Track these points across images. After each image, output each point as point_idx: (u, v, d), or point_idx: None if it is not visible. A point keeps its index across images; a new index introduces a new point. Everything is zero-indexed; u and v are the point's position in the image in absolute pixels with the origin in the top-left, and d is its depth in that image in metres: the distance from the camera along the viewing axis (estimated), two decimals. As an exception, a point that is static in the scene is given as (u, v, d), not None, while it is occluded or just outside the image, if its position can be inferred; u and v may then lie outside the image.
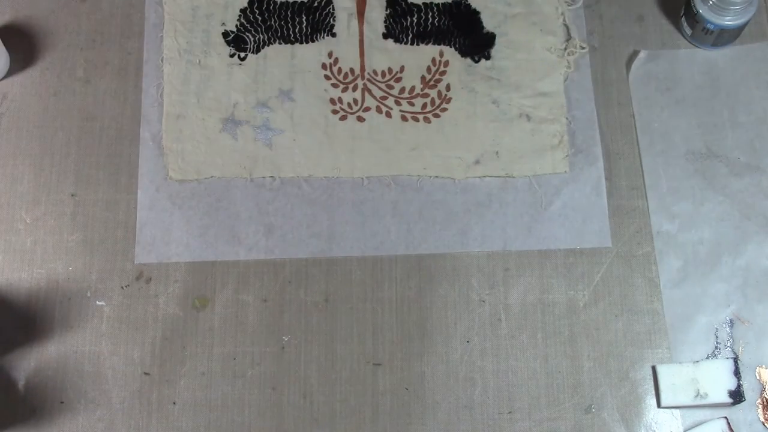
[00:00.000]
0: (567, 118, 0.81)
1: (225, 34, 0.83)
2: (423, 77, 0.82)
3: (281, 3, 0.84)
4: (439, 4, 0.84)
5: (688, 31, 0.82)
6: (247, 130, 0.81)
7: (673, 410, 0.73)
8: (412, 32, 0.83)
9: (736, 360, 0.73)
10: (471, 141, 0.80)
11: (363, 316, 0.76)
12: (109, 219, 0.78)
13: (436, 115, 0.81)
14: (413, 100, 0.81)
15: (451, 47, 0.83)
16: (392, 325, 0.75)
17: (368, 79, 0.82)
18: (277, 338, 0.75)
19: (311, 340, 0.75)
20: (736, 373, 0.72)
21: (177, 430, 0.73)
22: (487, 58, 0.83)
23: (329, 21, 0.84)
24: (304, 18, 0.84)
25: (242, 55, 0.83)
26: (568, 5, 0.84)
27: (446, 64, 0.82)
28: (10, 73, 0.82)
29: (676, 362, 0.73)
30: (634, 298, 0.76)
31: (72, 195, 0.79)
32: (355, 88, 0.82)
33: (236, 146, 0.80)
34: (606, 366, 0.74)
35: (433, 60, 0.83)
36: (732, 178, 0.78)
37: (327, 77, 0.82)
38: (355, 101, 0.81)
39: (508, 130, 0.80)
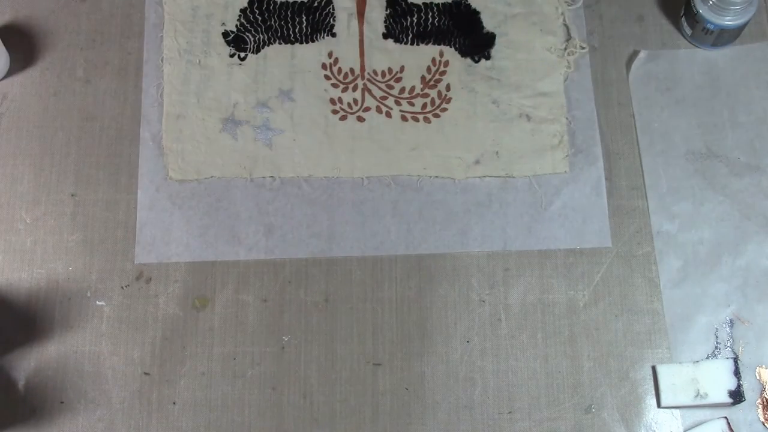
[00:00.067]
0: (567, 118, 0.81)
1: (225, 34, 0.83)
2: (423, 77, 0.82)
3: (281, 3, 0.84)
4: (439, 4, 0.84)
5: (688, 31, 0.82)
6: (247, 130, 0.81)
7: (673, 410, 0.73)
8: (412, 32, 0.83)
9: (736, 360, 0.73)
10: (471, 141, 0.80)
11: (363, 316, 0.76)
12: (109, 219, 0.78)
13: (436, 115, 0.81)
14: (413, 100, 0.81)
15: (451, 47, 0.83)
16: (392, 325, 0.75)
17: (368, 79, 0.82)
18: (277, 338, 0.75)
19: (311, 340, 0.75)
20: (736, 373, 0.72)
21: (177, 430, 0.73)
22: (487, 58, 0.83)
23: (329, 21, 0.84)
24: (304, 18, 0.84)
25: (242, 55, 0.83)
26: (568, 5, 0.84)
27: (446, 64, 0.82)
28: (10, 73, 0.82)
29: (676, 362, 0.73)
30: (634, 298, 0.76)
31: (72, 195, 0.79)
32: (355, 88, 0.82)
33: (236, 146, 0.80)
34: (606, 366, 0.74)
35: (433, 60, 0.83)
36: (732, 178, 0.78)
37: (327, 77, 0.82)
38: (355, 101, 0.81)
39: (508, 130, 0.80)
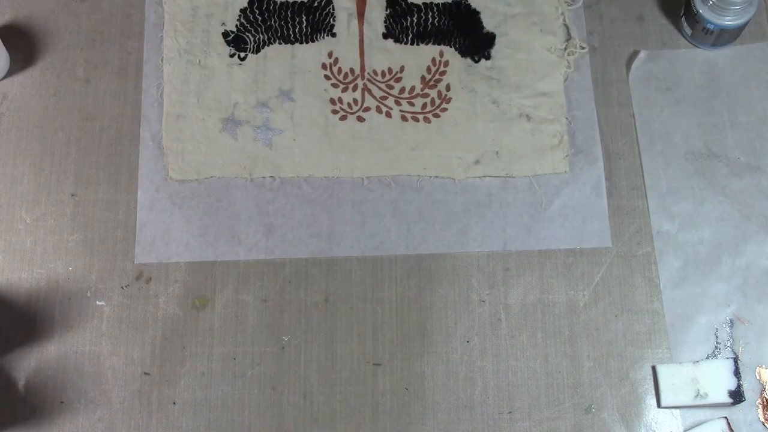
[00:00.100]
0: (567, 118, 0.81)
1: (225, 34, 0.83)
2: (423, 77, 0.82)
3: (281, 3, 0.84)
4: (439, 4, 0.84)
5: (688, 31, 0.82)
6: (247, 130, 0.81)
7: (673, 410, 0.73)
8: (412, 32, 0.83)
9: (736, 360, 0.73)
10: (471, 141, 0.80)
11: (363, 316, 0.76)
12: (109, 219, 0.78)
13: (436, 115, 0.81)
14: (413, 100, 0.81)
15: (451, 47, 0.83)
16: (392, 325, 0.75)
17: (368, 79, 0.82)
18: (277, 338, 0.75)
19: (311, 340, 0.75)
20: (736, 373, 0.72)
21: (177, 430, 0.73)
22: (487, 58, 0.83)
23: (329, 21, 0.84)
24: (304, 18, 0.84)
25: (242, 55, 0.83)
26: (568, 5, 0.84)
27: (446, 64, 0.82)
28: (10, 73, 0.82)
29: (676, 362, 0.73)
30: (634, 298, 0.76)
31: (72, 195, 0.79)
32: (355, 88, 0.82)
33: (236, 146, 0.80)
34: (606, 366, 0.74)
35: (433, 60, 0.83)
36: (732, 178, 0.78)
37: (327, 77, 0.82)
38: (355, 101, 0.81)
39: (508, 130, 0.80)
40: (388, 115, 0.81)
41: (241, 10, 0.84)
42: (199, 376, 0.74)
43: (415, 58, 0.83)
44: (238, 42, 0.83)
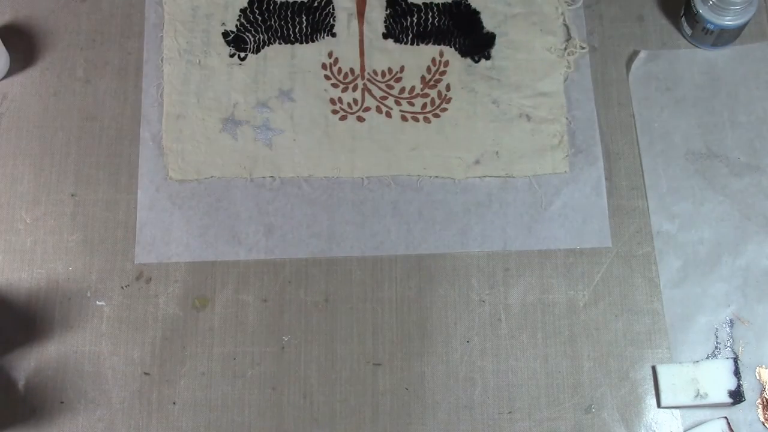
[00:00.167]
0: (567, 118, 0.81)
1: (225, 34, 0.83)
2: (423, 77, 0.82)
3: (281, 3, 0.84)
4: (439, 4, 0.84)
5: (688, 31, 0.82)
6: (247, 130, 0.81)
7: (673, 410, 0.73)
8: (412, 32, 0.83)
9: (736, 360, 0.73)
10: (471, 141, 0.80)
11: (363, 316, 0.76)
12: (109, 219, 0.78)
13: (436, 115, 0.81)
14: (413, 100, 0.81)
15: (451, 47, 0.83)
16: (392, 325, 0.75)
17: (368, 79, 0.82)
18: (277, 338, 0.75)
19: (311, 340, 0.75)
20: (736, 373, 0.72)
21: (177, 430, 0.73)
22: (487, 58, 0.83)
23: (329, 21, 0.84)
24: (304, 18, 0.84)
25: (242, 55, 0.83)
26: (568, 5, 0.84)
27: (446, 64, 0.82)
28: (10, 73, 0.82)
29: (676, 362, 0.73)
30: (634, 298, 0.76)
31: (72, 195, 0.79)
32: (355, 88, 0.82)
33: (236, 146, 0.80)
34: (606, 366, 0.74)
35: (433, 60, 0.83)
36: (732, 178, 0.78)
37: (327, 77, 0.82)
38: (355, 101, 0.81)
39: (508, 130, 0.80)
40: (388, 115, 0.81)
41: (241, 10, 0.84)
42: (199, 376, 0.74)
43: (415, 58, 0.83)
44: (238, 42, 0.83)
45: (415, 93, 0.82)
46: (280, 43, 0.83)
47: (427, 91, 0.82)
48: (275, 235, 0.78)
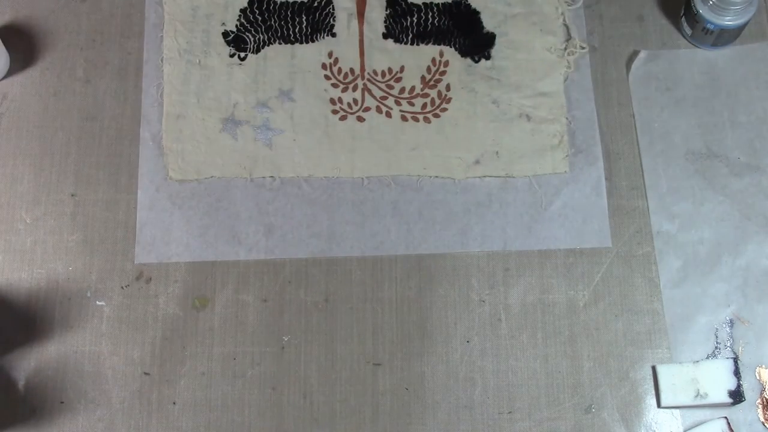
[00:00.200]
0: (567, 118, 0.81)
1: (225, 34, 0.83)
2: (423, 77, 0.82)
3: (281, 3, 0.84)
4: (439, 4, 0.84)
5: (688, 31, 0.82)
6: (247, 130, 0.81)
7: (673, 410, 0.73)
8: (412, 32, 0.83)
9: (736, 360, 0.73)
10: (471, 141, 0.80)
11: (363, 316, 0.76)
12: (109, 219, 0.78)
13: (436, 115, 0.81)
14: (413, 100, 0.81)
15: (451, 47, 0.83)
16: (392, 325, 0.75)
17: (368, 79, 0.82)
18: (277, 338, 0.75)
19: (311, 340, 0.75)
20: (736, 373, 0.72)
21: (177, 430, 0.73)
22: (487, 58, 0.83)
23: (329, 21, 0.84)
24: (304, 18, 0.84)
25: (242, 55, 0.83)
26: (568, 5, 0.84)
27: (446, 64, 0.82)
28: (10, 73, 0.82)
29: (676, 362, 0.73)
30: (634, 298, 0.76)
31: (72, 195, 0.79)
32: (355, 88, 0.82)
33: (236, 146, 0.80)
34: (606, 366, 0.74)
35: (433, 60, 0.83)
36: (732, 178, 0.78)
37: (327, 77, 0.82)
38: (355, 101, 0.81)
39: (508, 130, 0.80)
40: (388, 115, 0.81)
41: (241, 10, 0.84)
42: (199, 376, 0.74)
43: (415, 58, 0.83)
44: (238, 42, 0.83)
45: (415, 93, 0.82)
46: (280, 43, 0.83)
47: (427, 91, 0.82)
48: (275, 235, 0.78)
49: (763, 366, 0.73)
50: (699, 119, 0.80)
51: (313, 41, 0.83)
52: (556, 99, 0.81)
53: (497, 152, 0.80)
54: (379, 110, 0.81)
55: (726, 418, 0.72)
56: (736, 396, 0.72)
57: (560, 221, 0.78)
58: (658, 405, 0.73)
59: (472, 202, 0.78)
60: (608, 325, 0.75)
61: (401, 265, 0.77)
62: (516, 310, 0.75)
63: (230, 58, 0.83)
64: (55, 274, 0.77)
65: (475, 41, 0.83)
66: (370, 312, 0.76)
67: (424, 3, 0.84)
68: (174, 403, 0.73)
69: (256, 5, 0.84)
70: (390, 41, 0.83)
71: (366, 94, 0.82)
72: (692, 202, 0.78)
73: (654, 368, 0.73)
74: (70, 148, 0.80)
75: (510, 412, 0.73)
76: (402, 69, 0.82)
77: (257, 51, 0.83)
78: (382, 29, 0.83)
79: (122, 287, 0.76)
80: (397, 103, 0.81)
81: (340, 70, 0.82)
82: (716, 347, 0.74)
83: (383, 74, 0.82)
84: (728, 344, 0.74)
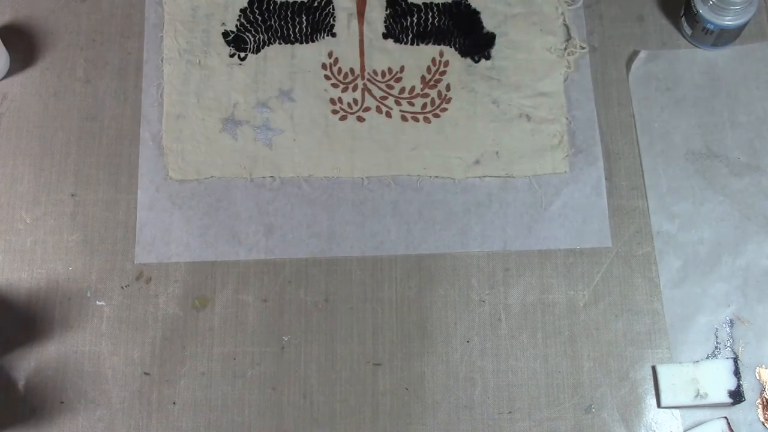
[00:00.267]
0: (567, 118, 0.81)
1: (225, 34, 0.83)
2: (423, 77, 0.82)
3: (281, 3, 0.84)
4: (439, 4, 0.84)
5: (688, 31, 0.82)
6: (247, 130, 0.81)
7: (673, 410, 0.73)
8: (412, 32, 0.83)
9: (736, 360, 0.73)
10: (471, 141, 0.80)
11: (363, 316, 0.76)
12: (109, 219, 0.78)
13: (436, 115, 0.81)
14: (413, 100, 0.81)
15: (451, 47, 0.83)
16: (392, 325, 0.75)
17: (368, 79, 0.82)
18: (277, 338, 0.75)
19: (311, 340, 0.75)
20: (736, 373, 0.72)
21: (177, 430, 0.73)
22: (487, 58, 0.83)
23: (329, 21, 0.84)
24: (304, 18, 0.84)
25: (242, 55, 0.83)
26: (568, 5, 0.84)
27: (446, 64, 0.82)
28: (10, 73, 0.82)
29: (676, 362, 0.73)
30: (634, 298, 0.76)
31: (72, 195, 0.79)
32: (355, 88, 0.82)
33: (236, 146, 0.80)
34: (606, 366, 0.74)
35: (433, 60, 0.83)
36: (732, 178, 0.78)
37: (327, 77, 0.82)
38: (355, 101, 0.81)
39: (508, 130, 0.80)
40: (388, 115, 0.81)
41: (241, 10, 0.84)
42: (199, 376, 0.74)
43: (415, 58, 0.83)
44: (238, 42, 0.83)
45: (415, 93, 0.82)
46: (280, 43, 0.83)
47: (427, 91, 0.82)
48: (275, 235, 0.78)
49: (763, 366, 0.73)
50: (699, 119, 0.80)
51: (313, 41, 0.83)
52: (556, 99, 0.81)
53: (497, 152, 0.80)
54: (379, 110, 0.81)
55: (726, 418, 0.72)
56: (736, 396, 0.72)
57: (560, 221, 0.78)
58: (658, 405, 0.73)
59: (472, 202, 0.78)
60: (608, 325, 0.75)
61: (401, 265, 0.77)
62: (516, 310, 0.75)
63: (230, 58, 0.83)
64: (55, 274, 0.77)
65: (475, 41, 0.83)
66: (370, 312, 0.76)
67: (424, 3, 0.84)
68: (174, 403, 0.73)
69: (256, 5, 0.84)
70: (390, 41, 0.83)
71: (366, 94, 0.82)
72: (692, 202, 0.78)
73: (654, 368, 0.73)
74: (70, 148, 0.80)
75: (510, 412, 0.73)
76: (402, 69, 0.82)
77: (257, 51, 0.83)
78: (382, 29, 0.83)
79: (122, 287, 0.76)
80: (397, 103, 0.81)
81: (340, 70, 0.82)
82: (716, 347, 0.74)
83: (383, 74, 0.82)
84: (728, 344, 0.74)
